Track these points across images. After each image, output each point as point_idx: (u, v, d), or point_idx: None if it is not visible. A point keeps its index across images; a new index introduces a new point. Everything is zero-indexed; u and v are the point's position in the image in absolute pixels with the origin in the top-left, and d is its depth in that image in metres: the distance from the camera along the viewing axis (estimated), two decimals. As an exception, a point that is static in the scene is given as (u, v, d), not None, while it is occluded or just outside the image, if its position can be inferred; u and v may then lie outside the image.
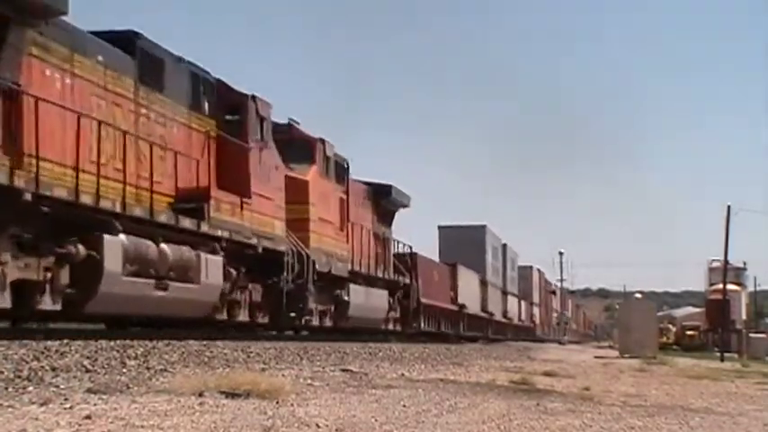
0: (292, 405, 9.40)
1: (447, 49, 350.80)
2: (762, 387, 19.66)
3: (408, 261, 37.84)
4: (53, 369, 10.84)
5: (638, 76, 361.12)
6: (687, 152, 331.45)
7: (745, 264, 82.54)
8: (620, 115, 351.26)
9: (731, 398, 15.83)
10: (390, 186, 34.99)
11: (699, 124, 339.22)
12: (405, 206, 37.30)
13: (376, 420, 8.96)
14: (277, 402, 9.44)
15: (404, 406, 10.37)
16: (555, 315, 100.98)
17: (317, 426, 8.28)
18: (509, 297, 67.40)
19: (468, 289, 50.94)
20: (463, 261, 50.64)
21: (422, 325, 39.79)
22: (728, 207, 54.90)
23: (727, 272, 58.80)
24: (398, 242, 37.82)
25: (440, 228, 57.14)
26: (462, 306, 48.45)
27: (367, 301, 31.05)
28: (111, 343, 14.10)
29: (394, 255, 36.58)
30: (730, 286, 64.20)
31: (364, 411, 9.52)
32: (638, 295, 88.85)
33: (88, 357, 12.19)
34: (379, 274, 33.42)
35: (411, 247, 38.65)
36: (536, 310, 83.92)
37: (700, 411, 12.63)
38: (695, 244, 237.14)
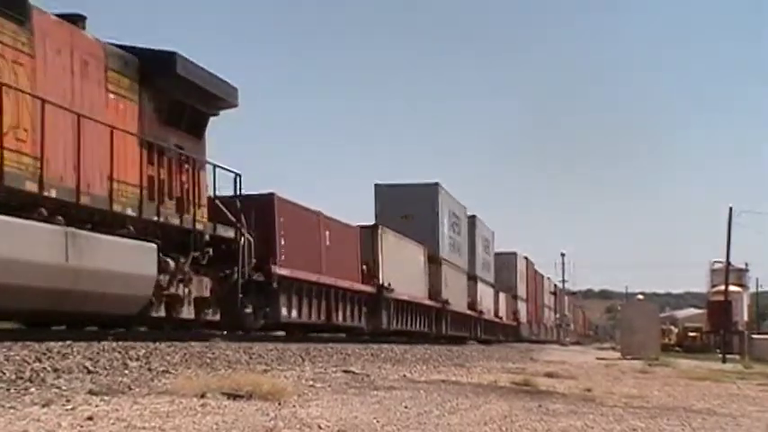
0: (294, 406, 9.41)
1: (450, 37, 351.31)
2: (764, 388, 19.64)
3: (238, 205, 22.04)
4: (55, 370, 10.84)
5: (641, 77, 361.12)
6: (690, 153, 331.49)
7: (747, 265, 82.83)
8: (623, 117, 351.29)
9: (733, 399, 15.82)
10: (173, 55, 19.26)
11: (702, 125, 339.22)
12: (229, 106, 21.93)
13: (378, 422, 8.96)
14: (279, 404, 9.44)
15: (406, 407, 10.37)
16: (552, 314, 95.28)
17: (319, 427, 8.28)
18: (480, 285, 53.79)
19: (403, 265, 36.67)
20: (406, 230, 38.15)
21: (283, 312, 24.97)
22: (731, 208, 55.00)
23: (729, 273, 58.82)
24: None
25: (377, 187, 42.17)
26: (384, 288, 33.84)
27: (71, 257, 15.45)
28: (113, 344, 14.11)
29: (232, 197, 22.06)
30: (732, 287, 64.30)
31: (366, 413, 9.52)
32: (640, 296, 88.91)
33: (90, 359, 12.19)
34: (130, 212, 17.84)
35: (239, 177, 22.29)
36: (521, 306, 71.10)
37: (702, 413, 12.62)
38: (697, 245, 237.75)
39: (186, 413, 8.28)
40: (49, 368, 10.90)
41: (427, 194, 43.00)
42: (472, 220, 53.01)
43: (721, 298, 61.56)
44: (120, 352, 13.28)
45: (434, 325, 42.45)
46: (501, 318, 61.93)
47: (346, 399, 10.73)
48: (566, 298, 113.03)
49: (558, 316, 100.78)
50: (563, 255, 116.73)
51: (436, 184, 43.79)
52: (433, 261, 42.13)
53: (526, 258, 75.12)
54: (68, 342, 13.53)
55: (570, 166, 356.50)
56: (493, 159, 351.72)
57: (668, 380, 21.34)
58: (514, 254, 69.84)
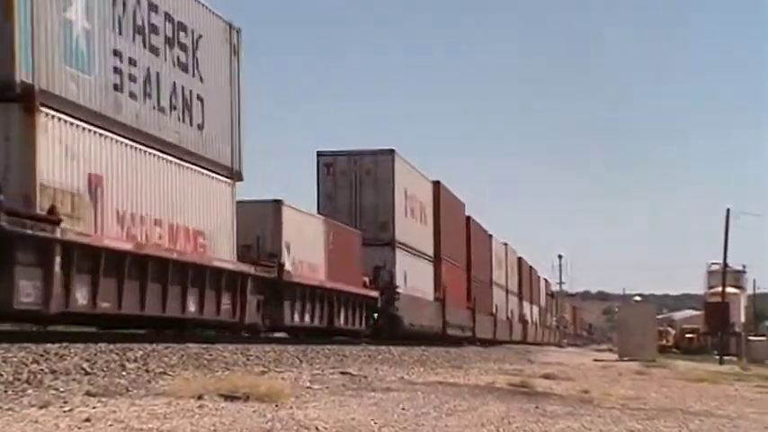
0: (291, 408, 9.41)
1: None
2: (761, 390, 19.66)
3: None
4: (52, 372, 10.84)
5: (642, 79, 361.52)
6: (687, 154, 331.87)
7: (744, 267, 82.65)
8: (621, 118, 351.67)
9: (730, 401, 15.83)
10: None
11: (698, 126, 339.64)
12: None
13: (375, 423, 8.96)
14: (276, 405, 9.44)
15: (403, 409, 10.37)
16: (516, 301, 77.07)
17: (317, 429, 8.28)
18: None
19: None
20: None
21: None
22: (728, 210, 54.93)
23: (726, 275, 58.81)
24: None
25: None
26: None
27: None
28: (111, 346, 14.11)
29: None
30: (729, 289, 64.25)
31: (363, 414, 9.52)
32: (638, 298, 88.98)
33: (87, 360, 12.19)
34: None
35: None
36: (416, 267, 36.52)
37: (699, 414, 12.62)
38: (694, 247, 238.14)
39: (183, 415, 8.28)
40: (46, 370, 10.90)
41: None
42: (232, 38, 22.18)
43: (718, 299, 61.56)
44: (117, 353, 13.27)
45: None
46: (318, 281, 27.45)
47: (344, 400, 10.73)
48: (542, 291, 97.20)
49: (557, 317, 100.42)
50: (560, 256, 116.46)
51: None
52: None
53: (439, 183, 40.69)
54: (66, 344, 13.53)
55: (568, 168, 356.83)
56: (492, 160, 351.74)
57: (665, 381, 21.33)
58: (391, 152, 34.23)
